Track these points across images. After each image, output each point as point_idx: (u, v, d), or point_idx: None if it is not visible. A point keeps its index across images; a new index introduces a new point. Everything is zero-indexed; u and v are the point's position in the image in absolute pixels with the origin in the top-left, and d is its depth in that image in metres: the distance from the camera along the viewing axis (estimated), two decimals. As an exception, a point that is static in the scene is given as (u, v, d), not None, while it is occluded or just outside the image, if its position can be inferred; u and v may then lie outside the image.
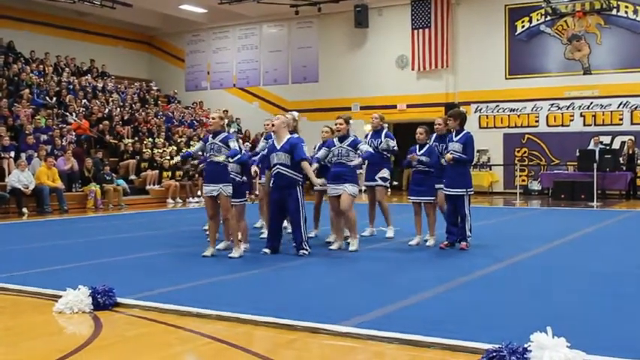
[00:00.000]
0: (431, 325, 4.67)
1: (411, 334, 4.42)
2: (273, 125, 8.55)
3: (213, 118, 8.28)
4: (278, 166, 8.30)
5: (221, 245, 8.68)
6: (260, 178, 9.94)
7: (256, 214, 10.98)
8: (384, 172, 9.76)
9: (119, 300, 5.53)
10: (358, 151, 8.56)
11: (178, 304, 5.38)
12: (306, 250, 8.25)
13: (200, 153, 8.68)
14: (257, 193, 9.62)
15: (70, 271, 7.29)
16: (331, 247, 8.71)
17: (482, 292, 6.10)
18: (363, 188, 10.61)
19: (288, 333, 4.70)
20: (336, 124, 8.77)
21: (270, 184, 8.67)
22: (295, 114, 9.28)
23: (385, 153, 9.88)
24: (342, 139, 8.68)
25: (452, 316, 5.05)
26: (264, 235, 9.65)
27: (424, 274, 7.06)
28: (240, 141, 9.32)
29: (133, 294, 5.75)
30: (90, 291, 5.43)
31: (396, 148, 9.93)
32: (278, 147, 8.35)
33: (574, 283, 6.49)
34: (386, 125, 10.02)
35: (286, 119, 8.62)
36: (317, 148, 9.40)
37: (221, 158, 7.94)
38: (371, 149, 8.85)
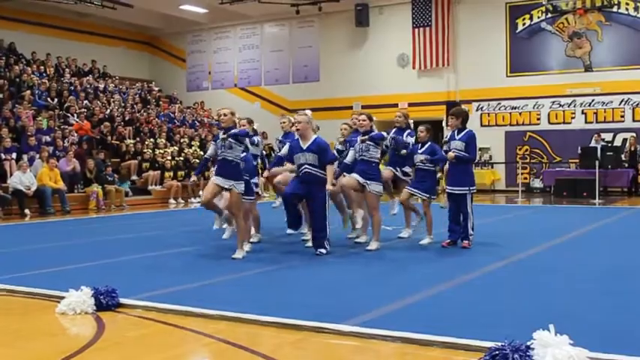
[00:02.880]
0: (433, 324, 4.66)
1: (414, 333, 4.42)
2: (298, 124, 8.26)
3: (225, 115, 8.07)
4: (306, 166, 8.15)
5: (226, 235, 8.59)
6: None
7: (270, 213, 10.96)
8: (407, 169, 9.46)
9: (122, 300, 5.53)
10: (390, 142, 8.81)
11: (181, 305, 5.38)
12: (325, 249, 8.18)
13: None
14: (259, 192, 9.55)
15: (72, 272, 7.29)
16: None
17: (484, 290, 6.09)
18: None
19: (292, 332, 4.70)
20: (358, 120, 8.74)
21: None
22: (309, 113, 9.02)
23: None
24: (364, 135, 8.60)
25: (454, 315, 5.05)
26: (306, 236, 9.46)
27: (426, 273, 7.06)
28: (257, 138, 9.25)
29: (135, 294, 5.75)
30: (92, 292, 5.43)
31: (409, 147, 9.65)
32: (304, 147, 8.20)
33: (577, 281, 6.48)
34: (412, 121, 9.75)
35: (310, 118, 8.40)
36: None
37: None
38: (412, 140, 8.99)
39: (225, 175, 7.94)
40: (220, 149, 7.97)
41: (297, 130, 8.35)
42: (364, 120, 8.64)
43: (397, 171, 9.36)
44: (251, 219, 8.90)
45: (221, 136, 7.98)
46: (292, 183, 8.42)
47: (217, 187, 8.00)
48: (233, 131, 7.89)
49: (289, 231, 8.71)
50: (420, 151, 8.96)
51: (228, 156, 7.94)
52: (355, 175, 8.52)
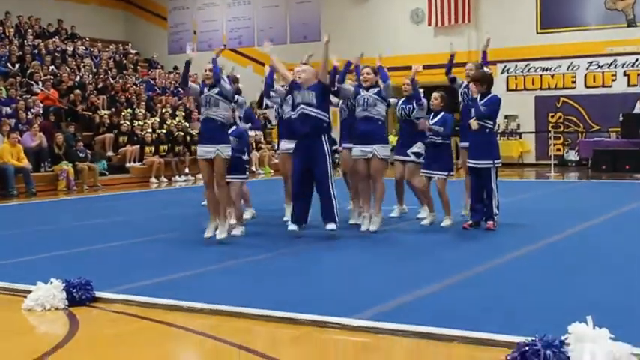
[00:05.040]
0: (454, 316, 4.68)
1: (431, 327, 4.43)
2: (302, 72, 8.37)
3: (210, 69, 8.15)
4: (302, 105, 8.18)
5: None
6: (277, 146, 9.93)
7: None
8: (418, 147, 9.19)
9: (97, 294, 5.54)
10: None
11: (165, 298, 5.40)
12: (335, 222, 8.12)
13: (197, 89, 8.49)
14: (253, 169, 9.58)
15: (40, 263, 7.32)
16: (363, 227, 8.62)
17: (511, 277, 6.11)
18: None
19: (291, 328, 4.72)
20: (362, 74, 8.70)
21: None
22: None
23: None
24: (368, 89, 8.61)
25: (477, 306, 5.06)
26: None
27: (446, 259, 7.08)
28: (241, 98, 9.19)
29: (113, 287, 5.77)
30: (64, 284, 5.45)
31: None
32: (304, 87, 8.22)
33: (617, 267, 6.50)
34: (421, 90, 9.72)
35: (313, 70, 8.40)
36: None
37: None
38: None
39: (209, 137, 7.99)
40: (205, 106, 8.06)
41: (299, 79, 8.36)
42: (368, 73, 8.66)
43: (409, 156, 9.25)
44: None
45: (205, 91, 8.07)
46: (295, 159, 8.44)
47: (208, 164, 8.01)
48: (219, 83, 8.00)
49: (292, 227, 8.21)
50: (431, 122, 8.94)
51: (212, 114, 8.00)
52: (356, 152, 8.47)
